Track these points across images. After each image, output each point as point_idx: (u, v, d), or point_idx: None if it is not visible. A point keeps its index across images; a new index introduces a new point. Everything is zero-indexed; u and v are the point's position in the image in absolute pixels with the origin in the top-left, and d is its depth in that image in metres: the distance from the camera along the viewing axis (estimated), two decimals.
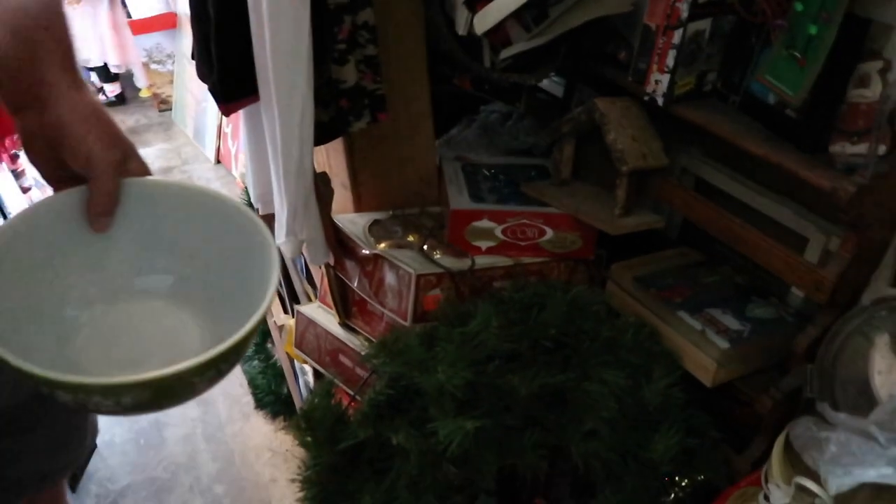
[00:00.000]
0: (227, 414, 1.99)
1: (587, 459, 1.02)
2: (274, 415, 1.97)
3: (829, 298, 0.95)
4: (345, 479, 0.95)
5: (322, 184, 1.14)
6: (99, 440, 1.89)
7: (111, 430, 1.93)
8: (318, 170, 1.46)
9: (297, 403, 1.69)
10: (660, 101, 1.06)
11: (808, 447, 0.88)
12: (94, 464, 1.84)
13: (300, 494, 0.99)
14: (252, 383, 2.04)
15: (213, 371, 0.57)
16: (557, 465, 1.09)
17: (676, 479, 1.08)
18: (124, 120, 3.91)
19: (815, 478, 0.86)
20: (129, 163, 0.62)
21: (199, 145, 3.65)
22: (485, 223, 1.19)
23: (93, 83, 4.00)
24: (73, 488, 1.77)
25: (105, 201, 0.61)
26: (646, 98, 1.08)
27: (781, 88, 0.92)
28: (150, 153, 3.60)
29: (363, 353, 1.08)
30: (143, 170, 0.64)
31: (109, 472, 1.83)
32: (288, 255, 1.11)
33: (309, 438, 0.95)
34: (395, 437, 0.92)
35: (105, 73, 3.93)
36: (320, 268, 1.33)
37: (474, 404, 0.96)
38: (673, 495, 1.07)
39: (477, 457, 0.93)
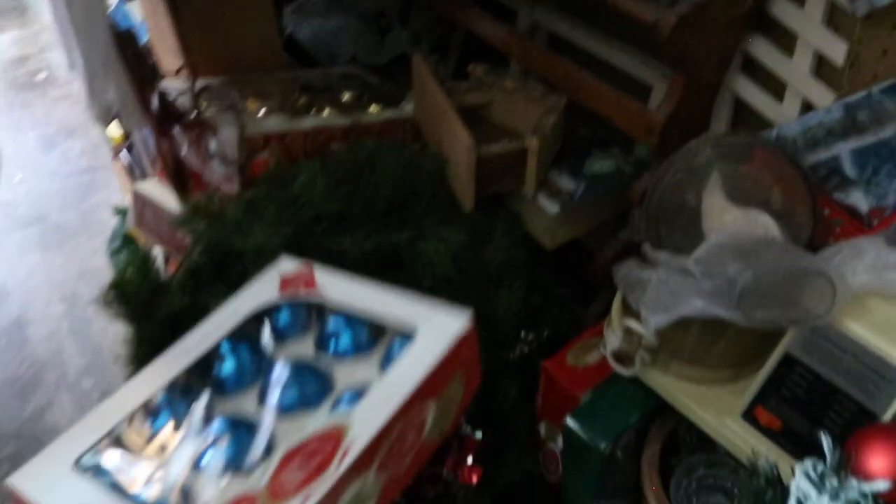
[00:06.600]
0: (94, 309, 1.89)
1: None
2: None
3: (661, 142, 0.94)
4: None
5: (127, 41, 1.03)
6: None
7: None
8: (150, 36, 1.34)
9: None
10: None
11: (633, 288, 0.87)
12: None
13: (126, 372, 0.94)
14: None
15: None
16: None
17: (522, 334, 1.08)
18: None
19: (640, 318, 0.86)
20: None
21: None
22: None
23: None
24: None
25: None
26: None
27: None
28: (4, 41, 3.27)
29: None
30: None
31: None
32: (95, 121, 1.01)
33: (124, 311, 0.89)
34: (214, 303, 0.87)
35: None
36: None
37: None
38: (518, 350, 1.08)
39: None
